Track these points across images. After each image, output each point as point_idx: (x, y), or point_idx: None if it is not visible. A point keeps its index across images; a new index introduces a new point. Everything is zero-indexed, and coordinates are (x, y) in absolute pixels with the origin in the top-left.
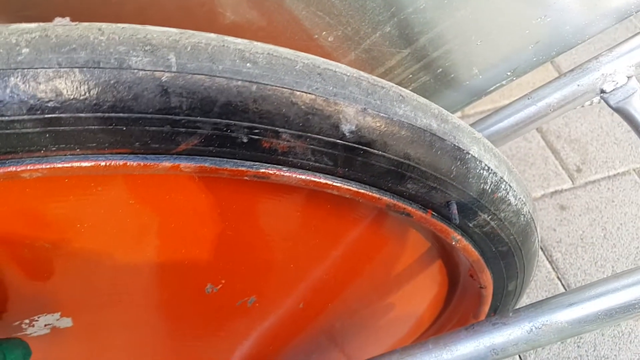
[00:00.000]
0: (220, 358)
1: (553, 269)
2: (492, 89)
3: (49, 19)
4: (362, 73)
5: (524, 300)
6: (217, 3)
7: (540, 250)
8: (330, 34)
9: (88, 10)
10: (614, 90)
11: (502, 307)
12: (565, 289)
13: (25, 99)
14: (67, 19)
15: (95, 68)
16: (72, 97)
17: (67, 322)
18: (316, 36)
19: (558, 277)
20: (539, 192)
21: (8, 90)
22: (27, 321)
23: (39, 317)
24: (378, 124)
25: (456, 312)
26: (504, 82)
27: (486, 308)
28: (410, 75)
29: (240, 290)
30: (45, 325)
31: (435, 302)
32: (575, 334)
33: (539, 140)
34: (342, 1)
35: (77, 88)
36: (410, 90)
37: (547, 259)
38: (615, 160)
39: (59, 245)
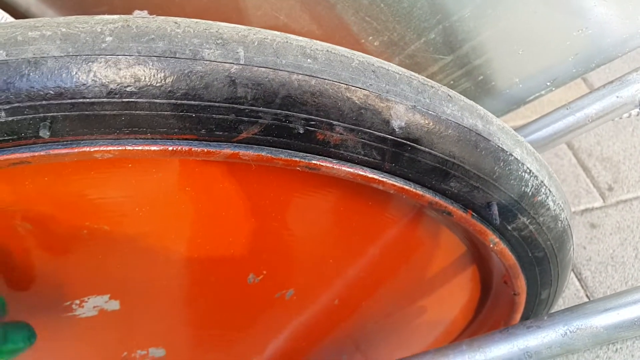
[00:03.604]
0: (255, 351)
1: (582, 287)
2: (531, 98)
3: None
4: (413, 73)
5: None
6: (272, 7)
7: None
8: (376, 39)
9: (152, 8)
10: None
11: (533, 317)
12: None
13: (107, 82)
14: (146, 12)
15: (171, 58)
16: (149, 83)
17: (114, 305)
18: (363, 40)
19: (587, 296)
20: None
21: (92, 75)
22: (77, 302)
23: (88, 299)
24: (426, 122)
25: (488, 319)
26: (542, 92)
27: (518, 316)
28: (452, 82)
29: (280, 282)
30: (94, 307)
31: (466, 309)
32: (611, 340)
33: (570, 157)
34: (390, 7)
35: (154, 75)
36: None
37: (577, 276)
38: None
39: (116, 228)
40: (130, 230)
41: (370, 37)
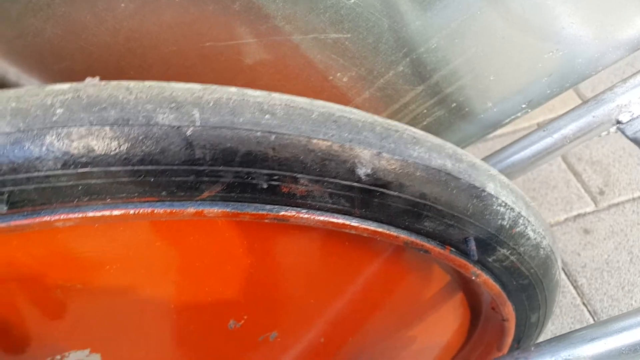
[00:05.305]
0: None
1: (578, 294)
2: (507, 121)
3: (79, 70)
4: (376, 117)
5: (549, 327)
6: (236, 52)
7: (564, 275)
8: (344, 75)
9: (114, 60)
10: (630, 120)
11: (525, 338)
12: (592, 315)
13: (60, 155)
14: (97, 78)
15: (124, 125)
16: (103, 152)
17: (96, 358)
18: (331, 77)
19: (584, 303)
20: (562, 215)
21: (44, 148)
22: (58, 357)
23: (69, 354)
24: (393, 167)
25: (479, 344)
26: (518, 114)
27: (509, 340)
28: (425, 111)
29: (262, 325)
30: None
31: (457, 334)
32: None
33: (559, 162)
34: (355, 44)
35: (107, 144)
36: (425, 124)
37: (572, 284)
38: None
39: (90, 285)
40: (105, 286)
41: (338, 74)
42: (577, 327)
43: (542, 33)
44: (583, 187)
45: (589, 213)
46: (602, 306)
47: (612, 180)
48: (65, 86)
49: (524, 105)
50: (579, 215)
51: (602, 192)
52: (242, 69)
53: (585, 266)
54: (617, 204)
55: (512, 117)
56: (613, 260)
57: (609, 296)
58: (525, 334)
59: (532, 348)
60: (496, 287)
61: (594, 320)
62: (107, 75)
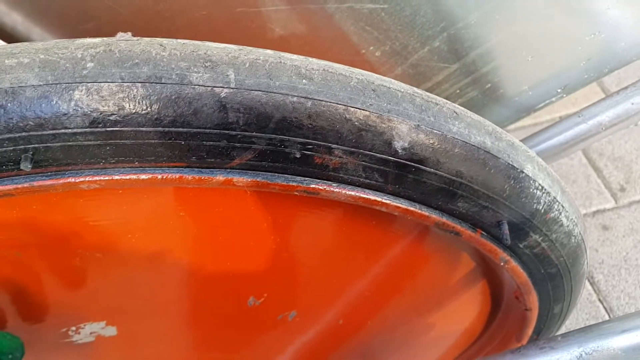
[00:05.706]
0: None
1: (594, 290)
2: (541, 105)
3: (105, 31)
4: (416, 89)
5: None
6: (267, 19)
7: None
8: (377, 49)
9: (142, 23)
10: None
11: (545, 330)
12: (607, 312)
13: (89, 112)
14: (129, 34)
15: (157, 83)
16: (134, 111)
17: (111, 331)
18: (363, 51)
19: (600, 300)
20: (580, 211)
21: (72, 104)
22: (73, 328)
23: (84, 325)
24: (431, 141)
25: (498, 333)
26: (553, 99)
27: (530, 331)
28: (458, 91)
29: (282, 304)
30: (91, 333)
31: (476, 323)
32: None
33: (580, 157)
34: (391, 16)
35: (139, 102)
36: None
37: (589, 280)
38: None
39: (110, 254)
40: (125, 256)
41: (371, 47)
42: (592, 323)
43: (585, 13)
44: (603, 182)
45: (608, 209)
46: (619, 303)
47: (633, 177)
48: (96, 40)
49: (559, 90)
50: (598, 211)
51: (622, 189)
52: (272, 38)
53: (602, 262)
54: (638, 202)
55: (547, 101)
56: (632, 258)
57: (626, 294)
58: (546, 325)
59: (559, 338)
60: (523, 274)
61: (609, 317)
62: None
